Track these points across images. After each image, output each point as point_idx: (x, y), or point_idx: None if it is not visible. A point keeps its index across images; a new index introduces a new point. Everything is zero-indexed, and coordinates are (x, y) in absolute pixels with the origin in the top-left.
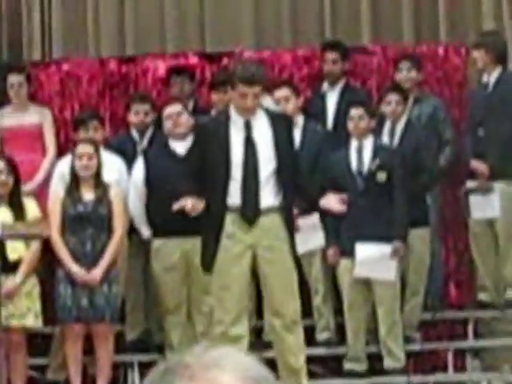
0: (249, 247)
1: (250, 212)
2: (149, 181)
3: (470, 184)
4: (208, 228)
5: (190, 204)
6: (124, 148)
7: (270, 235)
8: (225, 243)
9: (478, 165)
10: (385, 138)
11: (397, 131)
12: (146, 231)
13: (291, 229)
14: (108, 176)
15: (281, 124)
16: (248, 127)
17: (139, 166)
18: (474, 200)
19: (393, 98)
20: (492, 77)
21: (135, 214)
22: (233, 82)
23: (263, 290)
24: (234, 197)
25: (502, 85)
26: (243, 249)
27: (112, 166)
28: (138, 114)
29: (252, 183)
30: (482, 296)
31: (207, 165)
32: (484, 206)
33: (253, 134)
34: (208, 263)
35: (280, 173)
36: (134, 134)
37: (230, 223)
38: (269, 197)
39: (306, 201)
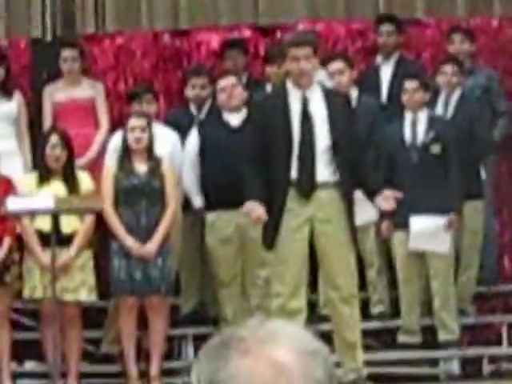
0: (306, 221)
1: (307, 185)
2: (203, 152)
3: None
4: (269, 203)
5: (255, 213)
6: (181, 122)
7: (326, 209)
8: (283, 218)
9: None
10: (439, 110)
11: (451, 102)
12: (198, 202)
13: (349, 203)
14: (161, 149)
15: (336, 100)
16: (305, 101)
17: (194, 136)
18: None
19: (448, 68)
20: None
21: (188, 185)
22: (284, 50)
23: (320, 262)
24: (292, 171)
25: None
26: (301, 223)
27: (166, 139)
28: (194, 87)
29: (308, 157)
30: None
31: (267, 140)
32: None
33: (309, 108)
34: (270, 239)
35: (335, 149)
36: (192, 108)
37: (288, 198)
38: (325, 172)
39: (358, 176)
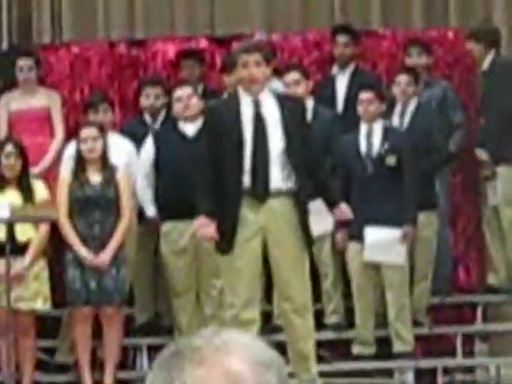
0: (259, 230)
1: (260, 191)
2: (158, 162)
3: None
4: (223, 211)
5: (205, 231)
6: (136, 132)
7: (279, 218)
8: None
9: (480, 153)
10: (395, 120)
11: (407, 113)
12: (151, 211)
13: (303, 213)
14: (117, 159)
15: (289, 104)
16: (256, 104)
17: (149, 146)
18: (489, 186)
19: (402, 78)
20: (485, 63)
21: (142, 194)
22: (235, 57)
23: (273, 273)
24: (245, 177)
25: (495, 70)
26: (254, 232)
27: (121, 148)
28: (148, 97)
29: (262, 161)
30: (492, 279)
31: (220, 147)
32: (492, 193)
33: (261, 111)
34: (225, 247)
35: (289, 154)
36: (147, 117)
37: (242, 206)
38: (279, 178)
39: (317, 185)
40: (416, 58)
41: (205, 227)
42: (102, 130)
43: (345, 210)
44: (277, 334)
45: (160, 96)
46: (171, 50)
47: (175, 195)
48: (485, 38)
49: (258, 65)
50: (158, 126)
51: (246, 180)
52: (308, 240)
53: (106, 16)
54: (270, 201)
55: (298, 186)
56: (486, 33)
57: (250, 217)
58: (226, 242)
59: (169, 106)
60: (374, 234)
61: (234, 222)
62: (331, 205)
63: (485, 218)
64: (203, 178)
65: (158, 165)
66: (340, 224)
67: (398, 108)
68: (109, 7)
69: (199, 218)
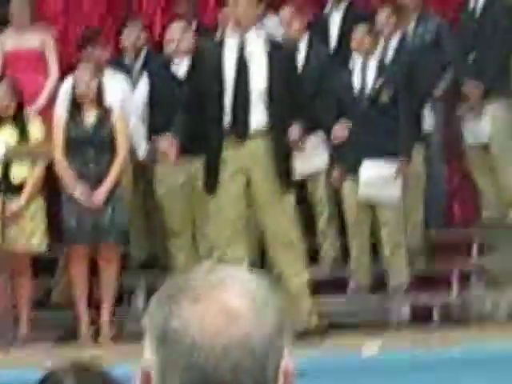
0: (241, 170)
1: (241, 131)
2: (152, 102)
3: (462, 109)
4: (207, 151)
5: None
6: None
7: (260, 159)
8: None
9: (469, 87)
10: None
11: (390, 47)
12: (142, 152)
13: (284, 154)
14: (112, 95)
15: (277, 48)
16: (241, 46)
17: (142, 87)
18: (467, 125)
19: (384, 12)
20: (479, 1)
21: (135, 133)
22: None
23: (256, 211)
24: (226, 117)
25: (490, 9)
26: (235, 171)
27: (116, 85)
28: (129, 36)
29: (242, 101)
30: (486, 214)
31: (203, 86)
32: (475, 132)
33: (245, 53)
34: (210, 186)
35: (271, 94)
36: (127, 57)
37: (223, 145)
38: (260, 119)
39: (309, 122)
40: None
41: (170, 147)
42: (98, 68)
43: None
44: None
45: (140, 33)
46: None
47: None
48: None
49: (248, 2)
50: (139, 64)
51: (227, 120)
52: (287, 180)
53: None
54: (251, 141)
55: (278, 127)
56: None
57: (232, 156)
58: (210, 181)
59: (154, 44)
60: (369, 170)
61: (217, 162)
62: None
63: (467, 155)
64: (182, 116)
65: (152, 105)
66: (334, 160)
67: (380, 42)
68: None
69: (167, 137)
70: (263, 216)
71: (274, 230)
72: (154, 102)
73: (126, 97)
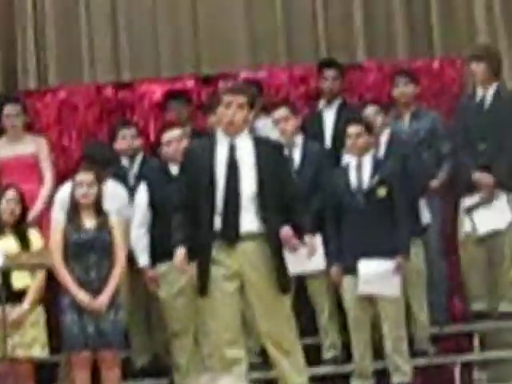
0: (235, 273)
1: (231, 235)
2: (153, 205)
3: (470, 200)
4: (198, 254)
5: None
6: (116, 176)
7: (253, 262)
8: (211, 269)
9: (482, 176)
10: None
11: (381, 144)
12: (144, 260)
13: (277, 256)
14: (109, 204)
15: (266, 148)
16: (232, 148)
17: (142, 193)
18: (479, 215)
19: (370, 111)
20: (489, 91)
21: (135, 243)
22: (219, 98)
23: (252, 315)
24: (217, 220)
25: (501, 100)
26: (226, 274)
27: (114, 194)
28: (124, 138)
29: (232, 205)
30: (477, 306)
31: (195, 188)
32: (491, 218)
33: (236, 156)
34: (202, 289)
35: (262, 198)
36: (124, 160)
37: (214, 249)
38: (251, 222)
39: (301, 227)
40: (403, 88)
41: (183, 261)
42: (97, 175)
43: (313, 240)
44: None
45: (135, 137)
46: (158, 92)
47: (170, 236)
48: (492, 63)
49: (240, 107)
50: (136, 168)
51: (218, 222)
52: (284, 282)
53: (91, 60)
54: (242, 244)
55: (269, 228)
56: (494, 58)
57: (223, 259)
58: (201, 283)
59: (147, 148)
60: (368, 267)
61: (207, 264)
62: (299, 230)
63: (463, 247)
64: (178, 217)
65: (153, 208)
66: (333, 259)
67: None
68: (94, 50)
69: (178, 251)
70: (258, 318)
71: (269, 332)
72: (155, 205)
73: (122, 204)
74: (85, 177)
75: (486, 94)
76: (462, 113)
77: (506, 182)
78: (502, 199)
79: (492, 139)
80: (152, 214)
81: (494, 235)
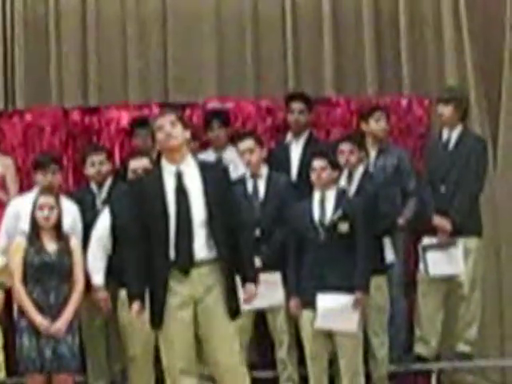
0: (189, 300)
1: (185, 263)
2: (114, 231)
3: (428, 240)
4: (153, 283)
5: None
6: (83, 200)
7: (206, 288)
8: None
9: (440, 221)
10: (342, 183)
11: (354, 178)
12: (99, 279)
13: (229, 281)
14: (65, 223)
15: (212, 173)
16: (179, 176)
17: (105, 214)
18: (433, 257)
19: (345, 147)
20: (454, 134)
21: (92, 263)
22: (152, 125)
23: (202, 342)
24: (171, 250)
25: (464, 143)
26: (182, 302)
27: (67, 210)
28: (94, 164)
29: (184, 233)
30: (420, 349)
31: (146, 220)
32: (444, 263)
33: (184, 182)
34: (157, 320)
35: (211, 224)
36: (93, 186)
37: (169, 277)
38: (204, 249)
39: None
40: (375, 124)
41: (139, 312)
42: (58, 197)
43: (252, 290)
44: None
45: (104, 162)
46: (125, 118)
47: None
48: (460, 106)
49: (173, 124)
50: (104, 193)
51: (172, 252)
52: (235, 309)
53: (59, 83)
54: (196, 271)
55: (221, 253)
56: (462, 101)
57: (178, 288)
58: (157, 316)
59: (116, 173)
60: (326, 301)
61: (164, 296)
62: (245, 280)
63: (420, 288)
64: (129, 252)
65: (115, 234)
66: (292, 292)
67: (345, 172)
68: (62, 74)
69: (134, 305)
70: (205, 339)
71: (218, 358)
72: (117, 231)
73: (75, 223)
74: (46, 200)
75: (451, 136)
76: (428, 152)
77: (460, 228)
78: (458, 247)
79: (451, 182)
80: (114, 240)
81: (449, 278)
